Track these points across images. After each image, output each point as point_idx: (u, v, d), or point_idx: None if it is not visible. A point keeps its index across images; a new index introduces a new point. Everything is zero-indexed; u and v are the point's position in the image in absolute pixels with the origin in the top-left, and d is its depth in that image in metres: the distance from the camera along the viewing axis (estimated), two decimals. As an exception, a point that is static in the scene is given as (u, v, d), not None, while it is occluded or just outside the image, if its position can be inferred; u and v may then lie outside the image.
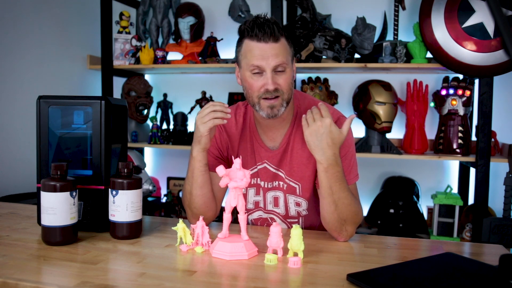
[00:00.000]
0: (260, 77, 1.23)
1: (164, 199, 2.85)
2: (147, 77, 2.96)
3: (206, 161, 1.26)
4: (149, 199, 2.67)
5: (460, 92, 2.23)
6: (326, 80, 2.55)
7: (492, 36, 2.02)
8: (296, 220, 1.39)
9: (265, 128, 1.36)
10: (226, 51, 2.72)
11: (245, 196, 1.41)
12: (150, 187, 2.37)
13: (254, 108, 1.28)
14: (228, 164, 1.30)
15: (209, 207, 1.31)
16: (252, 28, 1.21)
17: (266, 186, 1.38)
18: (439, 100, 2.29)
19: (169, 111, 2.79)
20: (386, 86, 2.38)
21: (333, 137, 1.15)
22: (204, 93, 2.66)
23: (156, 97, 2.86)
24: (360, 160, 1.36)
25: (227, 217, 1.10)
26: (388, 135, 2.43)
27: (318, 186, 1.23)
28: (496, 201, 2.26)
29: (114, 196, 1.16)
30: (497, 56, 2.02)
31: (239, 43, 1.27)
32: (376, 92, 2.35)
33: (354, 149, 1.33)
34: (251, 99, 1.27)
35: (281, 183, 1.36)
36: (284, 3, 2.41)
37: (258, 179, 1.38)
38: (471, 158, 2.21)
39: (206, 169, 1.27)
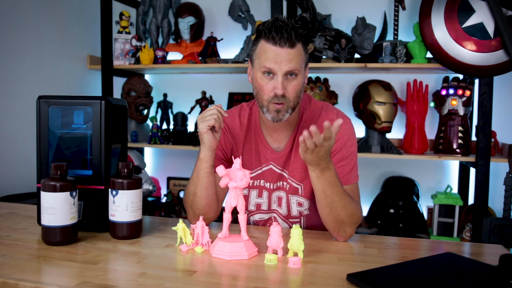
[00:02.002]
0: (271, 80, 1.23)
1: (164, 199, 2.85)
2: (147, 77, 2.96)
3: (213, 162, 1.26)
4: (149, 199, 2.67)
5: (460, 92, 2.23)
6: (326, 80, 2.55)
7: (492, 36, 2.02)
8: (298, 220, 1.39)
9: (271, 130, 1.36)
10: (226, 51, 2.72)
11: (247, 197, 1.41)
12: (150, 187, 2.37)
13: (262, 110, 1.28)
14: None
15: (212, 208, 1.31)
16: (269, 30, 1.20)
17: (270, 187, 1.38)
18: (439, 100, 2.29)
19: (169, 111, 2.79)
20: (386, 86, 2.38)
21: (330, 153, 1.11)
22: (204, 93, 2.66)
23: (156, 97, 2.86)
24: (360, 160, 1.36)
25: (227, 217, 1.10)
26: (388, 135, 2.43)
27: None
28: (496, 201, 2.26)
29: (114, 196, 1.16)
30: (497, 56, 2.02)
31: (255, 42, 1.27)
32: (376, 92, 2.35)
33: (357, 150, 1.33)
34: (261, 101, 1.27)
35: (284, 183, 1.36)
36: (284, 3, 2.41)
37: (262, 180, 1.38)
38: (471, 158, 2.21)
39: (212, 171, 1.26)
